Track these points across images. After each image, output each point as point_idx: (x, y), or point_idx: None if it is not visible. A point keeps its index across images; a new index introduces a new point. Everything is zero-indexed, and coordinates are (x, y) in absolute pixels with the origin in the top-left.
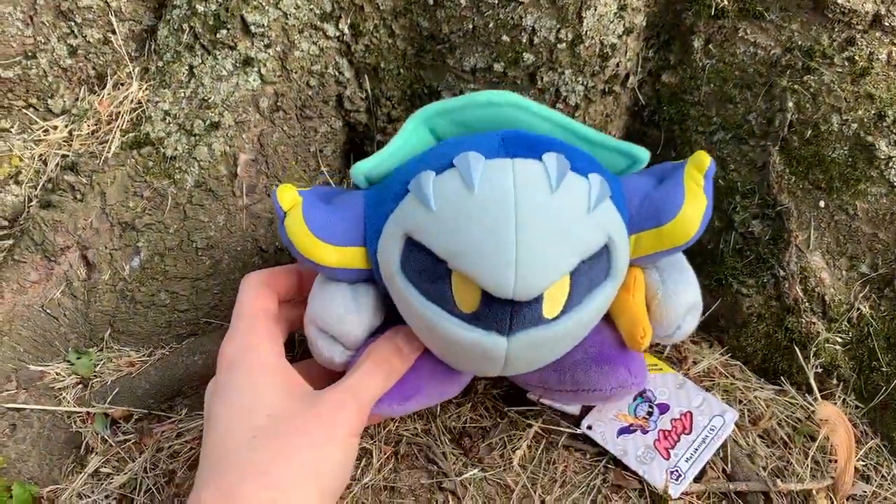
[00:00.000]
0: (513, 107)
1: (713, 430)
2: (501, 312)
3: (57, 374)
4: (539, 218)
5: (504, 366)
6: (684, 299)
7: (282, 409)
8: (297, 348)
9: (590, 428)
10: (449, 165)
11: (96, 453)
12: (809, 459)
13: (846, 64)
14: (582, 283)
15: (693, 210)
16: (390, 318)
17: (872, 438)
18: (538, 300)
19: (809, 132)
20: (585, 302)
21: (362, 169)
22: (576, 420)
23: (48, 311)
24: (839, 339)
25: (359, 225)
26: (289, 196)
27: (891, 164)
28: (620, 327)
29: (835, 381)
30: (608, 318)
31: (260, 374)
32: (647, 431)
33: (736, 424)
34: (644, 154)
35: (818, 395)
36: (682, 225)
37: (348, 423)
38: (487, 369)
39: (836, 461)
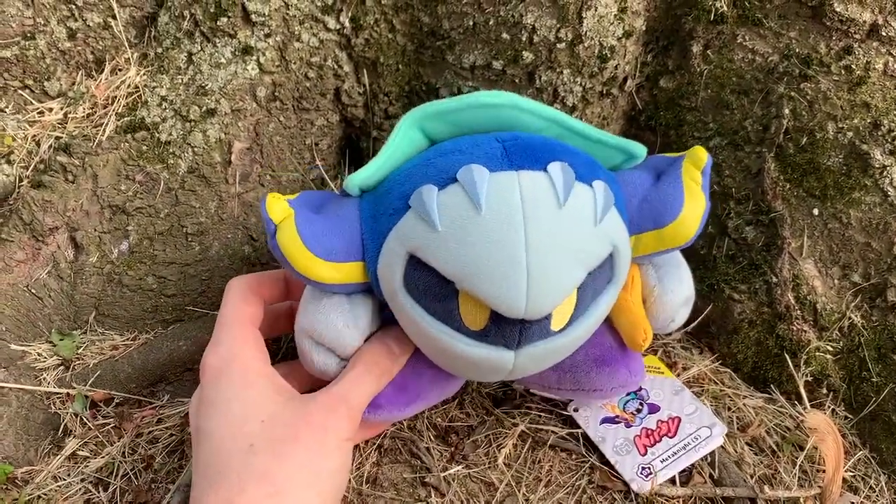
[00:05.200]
0: (511, 108)
1: (697, 438)
2: (511, 330)
3: (39, 354)
4: (549, 236)
5: (510, 374)
6: (679, 295)
7: (274, 414)
8: (282, 346)
9: (576, 410)
10: (451, 180)
11: (74, 436)
12: (797, 468)
13: (843, 72)
14: (587, 294)
15: (693, 211)
16: (386, 323)
17: (861, 450)
18: (548, 317)
19: (805, 139)
20: (590, 310)
21: (357, 181)
22: (563, 404)
23: (33, 290)
24: (830, 349)
25: (355, 239)
26: (279, 207)
27: (885, 173)
28: (620, 328)
29: (825, 391)
30: (608, 318)
31: (248, 382)
32: (631, 426)
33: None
34: (641, 150)
35: (808, 405)
36: (682, 227)
37: (340, 428)
38: (492, 378)
39: (824, 471)
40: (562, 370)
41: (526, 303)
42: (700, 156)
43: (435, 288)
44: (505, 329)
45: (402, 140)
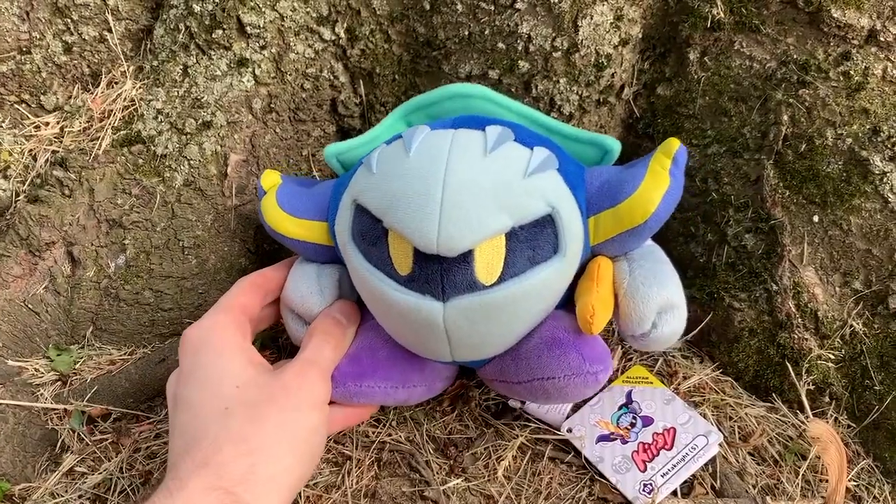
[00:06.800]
0: (483, 99)
1: (694, 448)
2: (432, 272)
3: (36, 370)
4: (467, 175)
5: (448, 340)
6: (656, 293)
7: (248, 380)
8: (281, 344)
9: (570, 431)
10: (398, 138)
11: (72, 452)
12: (800, 478)
13: (841, 78)
14: (521, 250)
15: (651, 187)
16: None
17: (864, 458)
18: (468, 260)
19: (804, 146)
20: (528, 273)
21: (333, 150)
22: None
23: (30, 306)
24: (832, 357)
25: (322, 203)
26: (271, 178)
27: (885, 180)
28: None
29: (827, 399)
30: (572, 309)
31: (224, 353)
32: (627, 442)
33: (726, 441)
34: (615, 144)
35: (810, 414)
36: (639, 202)
37: (315, 388)
38: (432, 344)
39: (827, 480)
40: (518, 357)
41: (438, 234)
42: (671, 145)
43: (370, 230)
44: (427, 270)
45: (387, 131)
